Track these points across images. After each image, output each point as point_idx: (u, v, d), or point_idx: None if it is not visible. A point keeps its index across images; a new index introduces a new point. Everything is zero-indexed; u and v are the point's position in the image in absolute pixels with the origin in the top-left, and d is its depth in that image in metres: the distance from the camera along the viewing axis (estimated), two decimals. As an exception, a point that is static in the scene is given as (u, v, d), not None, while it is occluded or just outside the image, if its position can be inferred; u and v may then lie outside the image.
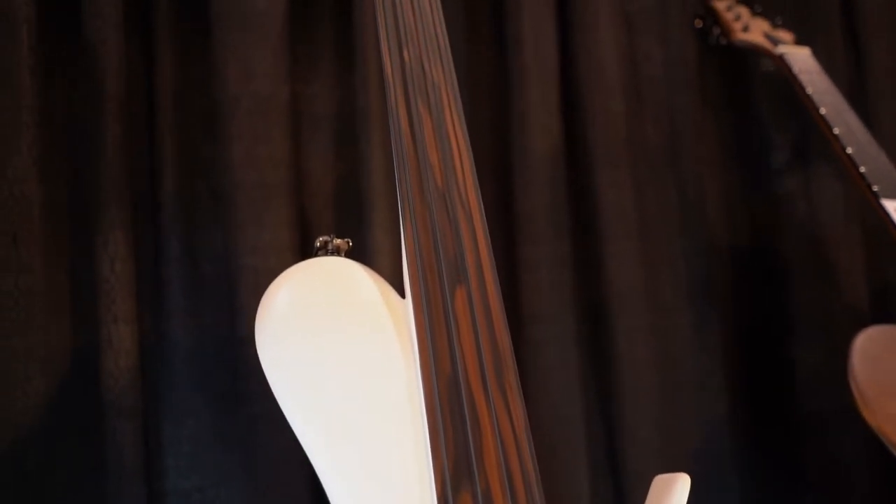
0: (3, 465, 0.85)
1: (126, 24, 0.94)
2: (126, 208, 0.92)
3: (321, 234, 1.02)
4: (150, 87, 0.98)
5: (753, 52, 1.19)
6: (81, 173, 0.92)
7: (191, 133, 0.99)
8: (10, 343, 0.85)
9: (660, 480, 0.57)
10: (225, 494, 0.94)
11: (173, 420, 0.95)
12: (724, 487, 1.17)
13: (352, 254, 0.61)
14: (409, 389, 0.53)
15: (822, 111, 1.03)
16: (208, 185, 0.98)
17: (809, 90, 1.05)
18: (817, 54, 1.16)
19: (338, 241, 0.59)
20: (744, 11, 1.21)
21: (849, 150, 0.98)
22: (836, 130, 1.00)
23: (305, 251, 1.00)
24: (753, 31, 1.18)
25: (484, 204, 0.59)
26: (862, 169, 0.96)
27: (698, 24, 1.24)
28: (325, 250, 0.59)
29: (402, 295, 0.57)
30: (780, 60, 1.12)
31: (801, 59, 1.11)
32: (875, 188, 0.95)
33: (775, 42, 1.15)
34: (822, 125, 1.03)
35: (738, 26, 1.19)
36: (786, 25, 1.22)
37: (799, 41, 1.19)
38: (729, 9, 1.22)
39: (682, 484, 0.55)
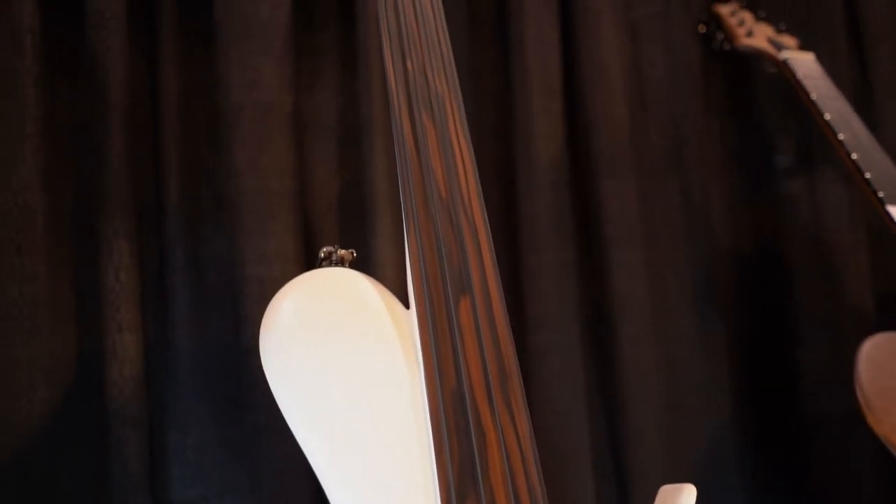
0: (9, 474, 0.85)
1: (130, 33, 0.94)
2: (130, 217, 0.92)
3: (325, 242, 1.02)
4: (154, 96, 0.98)
5: (757, 57, 1.19)
6: (85, 182, 0.92)
7: (195, 142, 0.99)
8: (14, 352, 0.85)
9: (665, 491, 0.56)
10: (229, 503, 0.94)
11: (178, 429, 0.95)
12: (728, 492, 1.16)
13: (356, 262, 0.61)
14: (413, 401, 0.53)
15: (827, 117, 1.02)
16: (213, 194, 0.99)
17: (814, 96, 1.05)
18: (821, 59, 1.16)
19: (342, 252, 0.59)
20: (747, 17, 1.21)
21: (854, 156, 0.97)
22: (841, 136, 1.00)
23: (310, 259, 1.00)
24: (757, 36, 1.18)
25: (487, 210, 0.59)
26: (867, 175, 0.96)
27: (702, 29, 1.24)
28: (330, 261, 0.59)
29: (407, 305, 0.57)
30: (784, 66, 1.12)
31: (805, 64, 1.11)
32: (881, 194, 0.94)
33: (779, 47, 1.15)
34: (826, 131, 1.03)
35: (741, 31, 1.19)
36: (789, 30, 1.22)
37: (803, 46, 1.19)
38: (733, 14, 1.22)
39: (687, 494, 0.55)
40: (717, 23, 1.23)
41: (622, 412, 1.11)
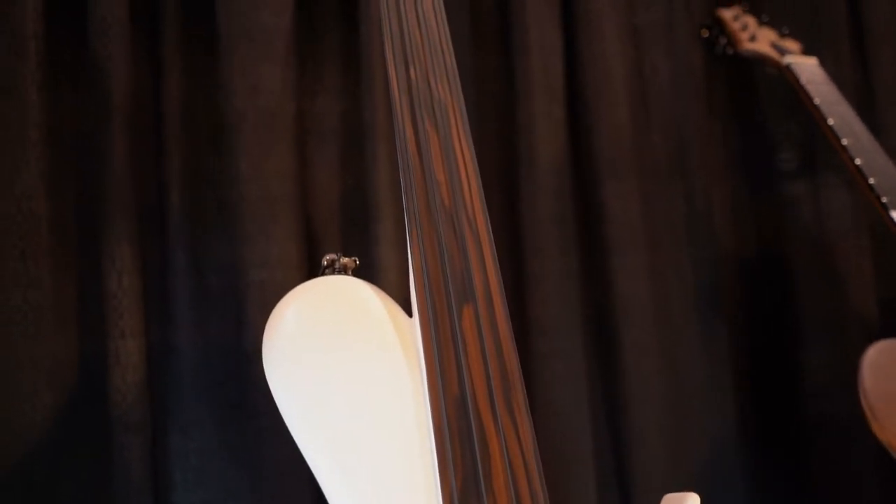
0: (12, 478, 0.85)
1: (133, 39, 0.94)
2: (133, 222, 0.92)
3: (327, 247, 1.03)
4: (156, 102, 0.98)
5: (760, 61, 1.19)
6: (88, 188, 0.92)
7: (197, 147, 0.99)
8: (18, 356, 0.86)
9: (669, 500, 0.56)
10: (232, 508, 0.94)
11: (180, 433, 0.95)
12: (731, 495, 1.16)
13: (358, 269, 0.61)
14: (416, 409, 0.53)
15: (831, 122, 1.02)
16: (215, 199, 0.99)
17: (817, 101, 1.05)
18: (824, 63, 1.16)
19: (345, 260, 0.59)
20: (751, 21, 1.21)
21: (857, 162, 0.97)
22: (845, 141, 0.99)
23: (312, 264, 1.00)
24: (760, 40, 1.18)
25: (490, 215, 0.59)
26: (871, 180, 0.95)
27: (705, 33, 1.24)
28: (332, 268, 0.59)
29: (410, 314, 0.57)
30: (788, 71, 1.11)
31: (808, 69, 1.10)
32: (884, 199, 0.94)
33: (782, 52, 1.15)
34: (830, 136, 1.02)
35: (744, 36, 1.19)
36: (792, 35, 1.21)
37: (806, 50, 1.19)
38: (736, 18, 1.21)
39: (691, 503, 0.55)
40: (720, 27, 1.22)
41: (624, 416, 1.11)
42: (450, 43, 0.67)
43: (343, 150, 1.05)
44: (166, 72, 0.98)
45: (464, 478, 0.49)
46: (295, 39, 1.01)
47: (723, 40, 1.22)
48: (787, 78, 1.13)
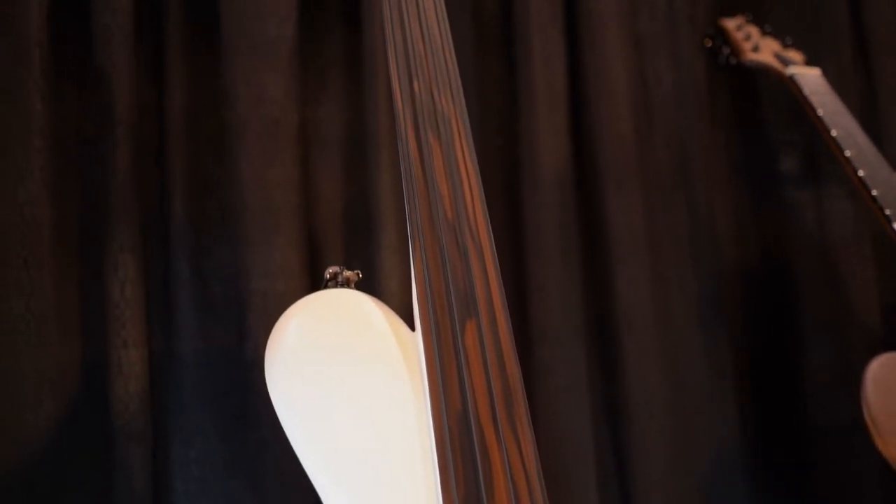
0: (14, 487, 0.85)
1: (137, 47, 0.95)
2: (136, 231, 0.92)
3: (330, 256, 1.03)
4: (160, 110, 0.98)
5: (763, 72, 1.19)
6: (91, 196, 0.92)
7: (200, 156, 0.99)
8: (21, 365, 0.86)
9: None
10: (233, 518, 0.94)
11: (182, 443, 0.95)
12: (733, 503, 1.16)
13: (361, 281, 0.61)
14: (418, 423, 0.52)
15: (834, 133, 1.02)
16: (218, 208, 0.99)
17: (820, 112, 1.05)
18: (827, 70, 1.15)
19: (347, 273, 0.59)
20: (754, 31, 1.21)
21: (860, 173, 0.97)
22: (848, 153, 0.99)
23: (315, 273, 1.00)
24: (763, 51, 1.18)
25: (493, 223, 0.59)
26: (874, 192, 0.95)
27: (708, 43, 1.24)
28: (335, 281, 0.59)
29: (412, 325, 0.57)
30: (791, 81, 1.11)
31: (811, 80, 1.10)
32: (887, 211, 0.94)
33: (786, 62, 1.15)
34: (833, 147, 1.02)
35: (747, 46, 1.18)
36: (796, 45, 1.21)
37: (809, 57, 1.19)
38: (739, 28, 1.21)
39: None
40: (724, 37, 1.22)
41: (627, 426, 1.11)
42: (453, 55, 0.67)
43: (346, 159, 1.05)
44: (170, 80, 0.98)
45: (466, 492, 0.49)
46: (298, 48, 1.01)
47: (726, 50, 1.22)
48: (790, 88, 1.13)
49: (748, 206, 1.26)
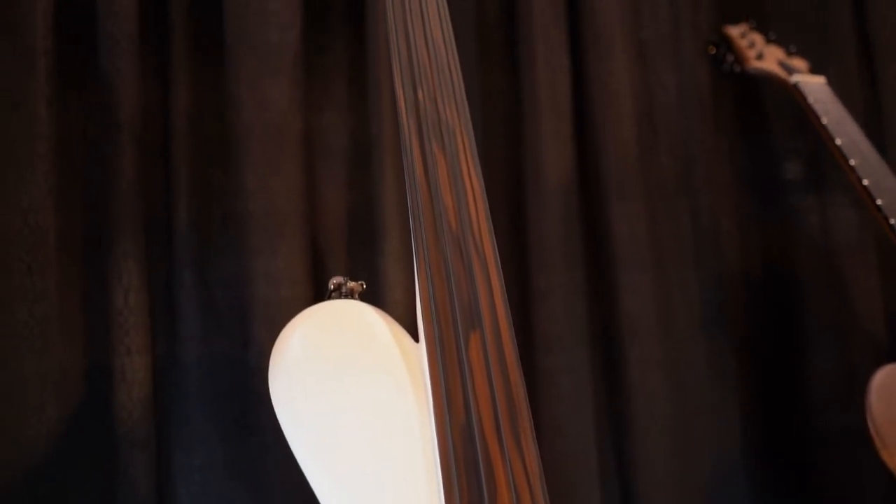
0: (17, 493, 0.85)
1: (142, 54, 0.95)
2: (140, 237, 0.92)
3: (333, 263, 1.03)
4: (164, 117, 0.98)
5: (767, 80, 1.19)
6: (96, 203, 0.92)
7: (205, 162, 0.99)
8: (25, 371, 0.86)
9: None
10: (235, 524, 0.94)
11: (184, 449, 0.95)
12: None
13: (365, 287, 0.61)
14: (422, 435, 0.52)
15: (838, 142, 1.02)
16: (222, 214, 0.99)
17: (825, 120, 1.04)
18: (831, 77, 1.15)
19: (352, 284, 0.59)
20: (758, 38, 1.21)
21: (865, 182, 0.97)
22: (853, 162, 0.99)
23: (318, 280, 1.00)
24: (767, 58, 1.18)
25: (496, 231, 0.59)
26: (879, 201, 0.95)
27: (712, 51, 1.23)
28: (339, 292, 0.59)
29: (416, 338, 0.57)
30: (795, 90, 1.11)
31: (815, 88, 1.10)
32: (892, 221, 0.94)
33: (790, 70, 1.14)
34: (837, 156, 1.02)
35: (751, 54, 1.18)
36: (800, 51, 1.21)
37: (813, 65, 1.18)
38: (743, 36, 1.21)
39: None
40: (728, 45, 1.22)
41: (630, 434, 1.11)
42: (458, 64, 0.67)
43: (349, 165, 1.05)
44: (174, 86, 0.98)
45: (469, 505, 0.49)
46: (302, 54, 1.01)
47: (730, 58, 1.21)
48: (794, 96, 1.13)
49: (752, 213, 1.26)
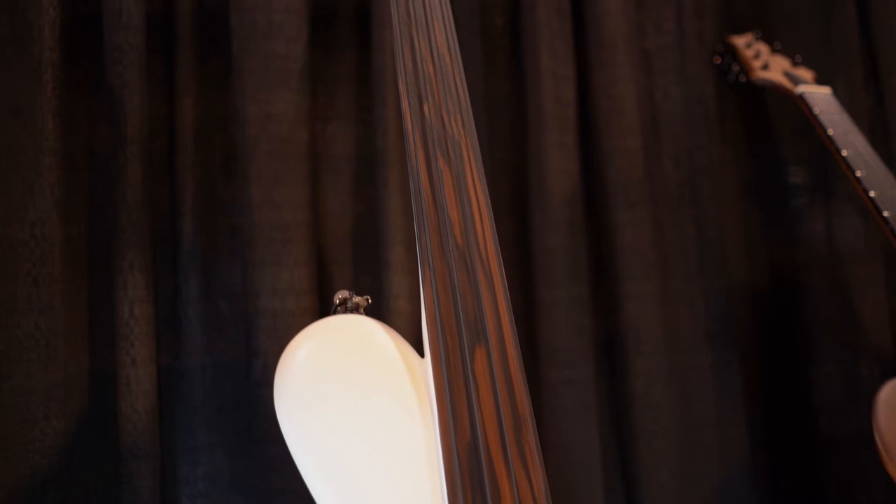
0: (22, 503, 0.85)
1: (148, 66, 0.95)
2: (146, 249, 0.93)
3: (339, 274, 1.03)
4: (170, 128, 0.99)
5: (773, 90, 1.18)
6: (102, 214, 0.93)
7: (211, 174, 1.00)
8: (31, 382, 0.86)
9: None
10: (240, 536, 0.94)
11: (189, 459, 0.95)
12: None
13: (370, 302, 0.61)
14: (427, 452, 0.52)
15: (844, 153, 1.01)
16: (227, 226, 0.99)
17: (831, 132, 1.04)
18: (837, 88, 1.15)
19: (357, 299, 0.59)
20: (763, 49, 1.20)
21: (872, 194, 0.97)
22: (859, 173, 0.99)
23: (323, 292, 1.00)
24: (773, 69, 1.17)
25: (501, 242, 0.59)
26: (885, 213, 0.95)
27: (717, 61, 1.23)
28: (345, 307, 0.59)
29: (421, 352, 0.57)
30: (801, 100, 1.11)
31: (821, 99, 1.10)
32: (899, 232, 0.93)
33: (795, 81, 1.14)
34: (843, 167, 1.02)
35: (757, 64, 1.18)
36: (805, 62, 1.21)
37: (819, 76, 1.18)
38: (748, 46, 1.21)
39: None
40: (733, 55, 1.22)
41: (635, 446, 1.10)
42: (463, 78, 0.67)
43: (355, 177, 1.06)
44: (180, 98, 0.99)
45: (475, 524, 0.48)
46: (308, 66, 1.01)
47: (735, 68, 1.21)
48: (800, 107, 1.12)
49: (757, 222, 1.25)
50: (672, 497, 1.10)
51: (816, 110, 1.07)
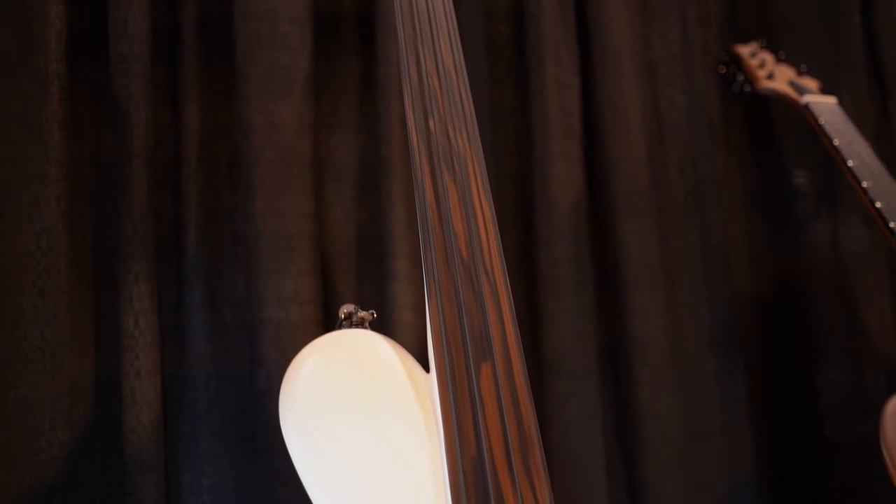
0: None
1: (153, 77, 0.95)
2: (150, 260, 0.93)
3: (342, 284, 1.03)
4: (175, 138, 0.99)
5: (778, 100, 1.18)
6: (107, 225, 0.93)
7: (215, 183, 1.00)
8: (37, 393, 0.86)
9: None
10: (244, 545, 0.94)
11: (193, 470, 0.95)
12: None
13: (375, 316, 0.61)
14: (433, 468, 0.52)
15: (850, 164, 1.01)
16: (232, 235, 0.99)
17: (836, 142, 1.04)
18: (842, 97, 1.15)
19: (362, 314, 0.59)
20: (768, 58, 1.20)
21: (878, 205, 0.96)
22: (865, 184, 0.98)
23: (327, 302, 1.00)
24: (778, 78, 1.17)
25: (506, 255, 0.59)
26: (892, 224, 0.94)
27: (722, 70, 1.23)
28: (350, 321, 0.59)
29: (426, 366, 0.57)
30: (806, 110, 1.10)
31: (827, 109, 1.09)
32: (905, 243, 0.93)
33: (801, 90, 1.14)
34: (849, 177, 1.02)
35: (762, 73, 1.18)
36: (810, 71, 1.21)
37: (824, 86, 1.18)
38: (753, 55, 1.21)
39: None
40: (738, 64, 1.22)
41: (640, 456, 1.10)
42: (468, 91, 0.67)
43: (359, 186, 1.06)
44: (185, 108, 0.99)
45: (480, 540, 0.48)
46: (312, 76, 1.01)
47: (740, 77, 1.21)
48: (805, 117, 1.12)
49: (762, 231, 1.25)
50: (677, 506, 1.10)
51: (822, 120, 1.07)
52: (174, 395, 0.96)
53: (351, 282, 1.04)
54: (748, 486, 1.15)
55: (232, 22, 0.99)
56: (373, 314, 0.59)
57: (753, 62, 1.19)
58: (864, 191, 0.98)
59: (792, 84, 1.16)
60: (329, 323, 0.98)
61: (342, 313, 0.59)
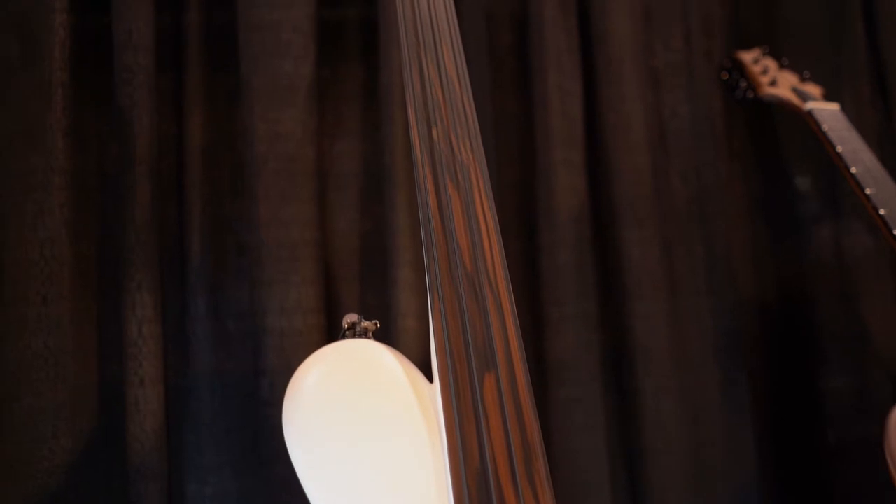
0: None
1: (157, 86, 0.96)
2: (154, 269, 0.93)
3: (346, 293, 1.03)
4: (179, 147, 0.99)
5: (781, 106, 1.18)
6: (111, 234, 0.93)
7: (219, 192, 1.00)
8: (40, 402, 0.86)
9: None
10: (247, 555, 0.94)
11: (196, 478, 0.95)
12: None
13: (379, 326, 0.61)
14: (436, 479, 0.52)
15: (854, 170, 1.01)
16: (235, 244, 0.99)
17: (839, 149, 1.04)
18: (845, 104, 1.14)
19: (366, 324, 0.59)
20: (771, 64, 1.20)
21: (881, 212, 0.96)
22: (868, 191, 0.98)
23: (331, 310, 1.00)
24: (781, 85, 1.17)
25: (509, 264, 0.59)
26: (895, 231, 0.94)
27: (724, 76, 1.23)
28: (353, 331, 0.59)
29: (430, 376, 0.57)
30: (809, 117, 1.10)
31: (830, 115, 1.09)
32: (909, 250, 0.93)
33: (804, 97, 1.14)
34: (852, 184, 1.01)
35: (765, 80, 1.18)
36: (813, 78, 1.20)
37: (827, 92, 1.18)
38: (756, 62, 1.21)
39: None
40: (740, 70, 1.21)
41: (644, 464, 1.10)
42: (472, 100, 0.67)
43: (362, 195, 1.06)
44: (188, 117, 0.99)
45: (484, 552, 0.48)
46: (315, 84, 1.02)
47: (743, 84, 1.21)
48: (808, 123, 1.12)
49: (765, 238, 1.25)
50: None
51: (825, 127, 1.07)
52: (178, 405, 0.96)
53: (354, 291, 1.04)
54: (752, 494, 1.15)
55: (236, 31, 1.00)
56: (376, 324, 0.59)
57: (756, 69, 1.19)
58: (868, 197, 0.98)
59: (795, 90, 1.16)
60: (333, 332, 0.98)
61: (346, 323, 0.59)
